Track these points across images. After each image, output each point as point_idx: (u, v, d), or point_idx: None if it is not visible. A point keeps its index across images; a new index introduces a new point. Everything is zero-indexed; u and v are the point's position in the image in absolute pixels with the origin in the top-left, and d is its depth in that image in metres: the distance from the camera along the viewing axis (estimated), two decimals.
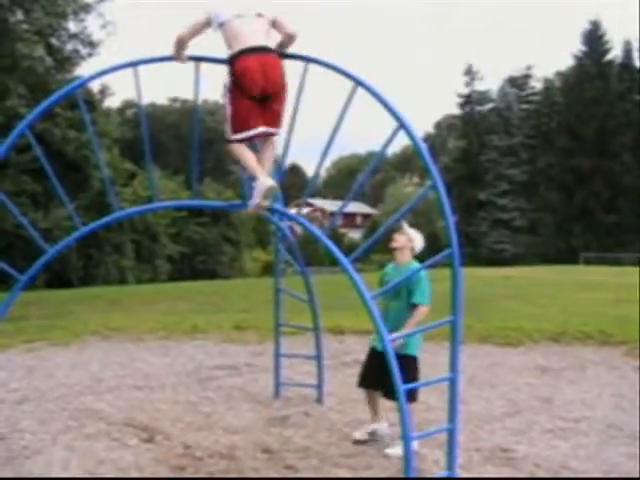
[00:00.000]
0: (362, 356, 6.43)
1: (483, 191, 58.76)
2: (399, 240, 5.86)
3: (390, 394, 5.78)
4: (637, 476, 5.24)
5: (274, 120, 4.79)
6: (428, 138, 73.56)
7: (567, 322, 12.23)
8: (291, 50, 4.94)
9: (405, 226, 5.94)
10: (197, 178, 5.69)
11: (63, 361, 10.03)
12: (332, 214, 46.13)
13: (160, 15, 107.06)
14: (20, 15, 20.10)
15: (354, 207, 78.06)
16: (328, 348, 7.95)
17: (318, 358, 7.62)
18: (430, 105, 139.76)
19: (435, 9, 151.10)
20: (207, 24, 4.82)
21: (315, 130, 29.41)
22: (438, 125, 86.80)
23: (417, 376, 5.80)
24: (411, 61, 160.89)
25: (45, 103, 5.08)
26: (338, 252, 4.56)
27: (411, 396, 5.35)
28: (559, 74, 63.45)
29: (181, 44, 4.84)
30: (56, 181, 5.03)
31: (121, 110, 56.68)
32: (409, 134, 4.53)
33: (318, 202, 71.87)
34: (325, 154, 4.93)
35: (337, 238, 45.29)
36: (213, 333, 12.19)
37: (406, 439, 4.34)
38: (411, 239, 5.91)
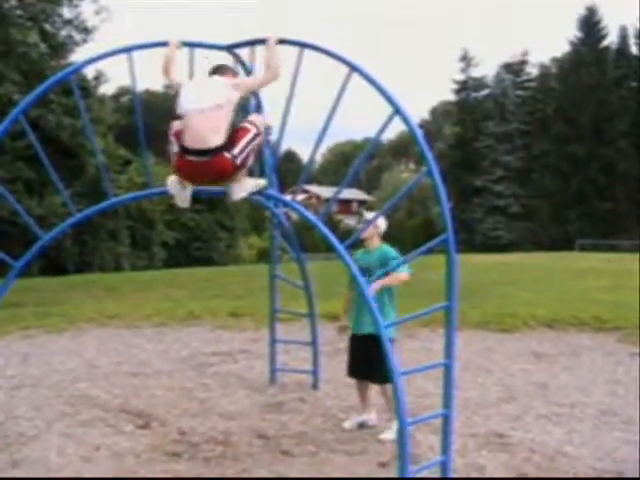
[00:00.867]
0: None
1: (478, 177, 58.61)
2: (367, 231, 5.81)
3: (373, 377, 5.85)
4: (633, 465, 5.27)
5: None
6: (424, 124, 73.24)
7: (562, 308, 12.25)
8: (287, 36, 4.86)
9: (365, 213, 6.15)
10: None
11: (59, 348, 10.04)
12: (327, 200, 46.11)
13: (155, 2, 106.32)
14: (14, 1, 19.94)
15: (350, 193, 77.94)
16: (323, 334, 7.96)
17: (314, 344, 7.65)
18: (426, 91, 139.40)
19: None
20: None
21: (310, 116, 29.38)
22: (434, 111, 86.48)
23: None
24: (406, 47, 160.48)
25: (39, 89, 5.07)
26: (334, 238, 4.56)
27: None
28: (555, 60, 63.22)
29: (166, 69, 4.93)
30: (51, 168, 5.02)
31: (116, 97, 56.31)
32: (405, 120, 4.51)
33: (314, 188, 71.77)
34: (320, 140, 4.91)
35: (333, 224, 45.20)
36: (209, 320, 12.20)
37: (402, 424, 4.35)
38: (377, 226, 6.01)
